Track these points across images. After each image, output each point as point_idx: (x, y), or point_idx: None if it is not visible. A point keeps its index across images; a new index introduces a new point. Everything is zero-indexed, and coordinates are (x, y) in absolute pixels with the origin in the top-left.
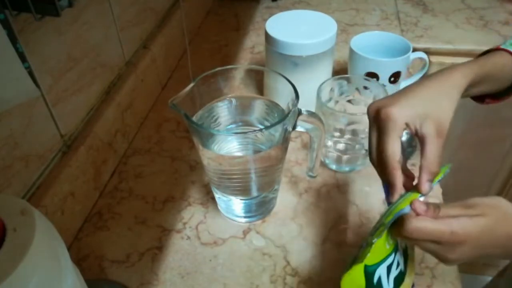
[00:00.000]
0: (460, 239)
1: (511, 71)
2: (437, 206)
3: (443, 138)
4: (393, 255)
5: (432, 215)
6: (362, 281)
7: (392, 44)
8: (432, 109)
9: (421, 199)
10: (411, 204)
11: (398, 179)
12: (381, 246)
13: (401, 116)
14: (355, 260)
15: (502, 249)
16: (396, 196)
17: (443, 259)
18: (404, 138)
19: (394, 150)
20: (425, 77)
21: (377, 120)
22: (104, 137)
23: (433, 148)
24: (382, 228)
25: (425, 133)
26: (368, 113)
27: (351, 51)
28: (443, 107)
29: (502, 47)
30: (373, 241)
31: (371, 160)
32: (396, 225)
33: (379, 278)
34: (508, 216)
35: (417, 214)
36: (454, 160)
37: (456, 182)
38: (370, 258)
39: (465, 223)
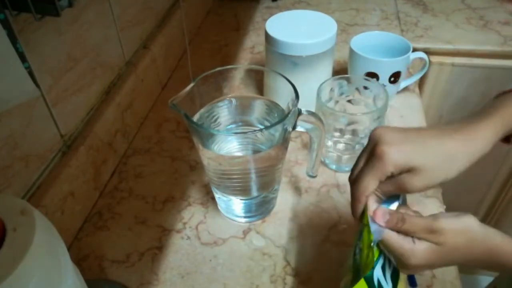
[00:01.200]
0: (410, 263)
1: None
2: (401, 219)
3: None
4: (382, 254)
5: (394, 226)
6: None
7: (392, 44)
8: (436, 169)
9: (395, 205)
10: (374, 213)
11: (358, 210)
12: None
13: (392, 162)
14: (360, 267)
15: (460, 263)
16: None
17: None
18: None
19: (368, 186)
20: (448, 129)
21: (372, 150)
22: (104, 137)
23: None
24: (368, 229)
25: (408, 186)
26: (370, 135)
27: (351, 51)
28: (450, 173)
29: None
30: (372, 244)
31: (350, 176)
32: None
33: (378, 281)
34: (471, 243)
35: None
36: None
37: (456, 182)
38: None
39: (416, 255)
